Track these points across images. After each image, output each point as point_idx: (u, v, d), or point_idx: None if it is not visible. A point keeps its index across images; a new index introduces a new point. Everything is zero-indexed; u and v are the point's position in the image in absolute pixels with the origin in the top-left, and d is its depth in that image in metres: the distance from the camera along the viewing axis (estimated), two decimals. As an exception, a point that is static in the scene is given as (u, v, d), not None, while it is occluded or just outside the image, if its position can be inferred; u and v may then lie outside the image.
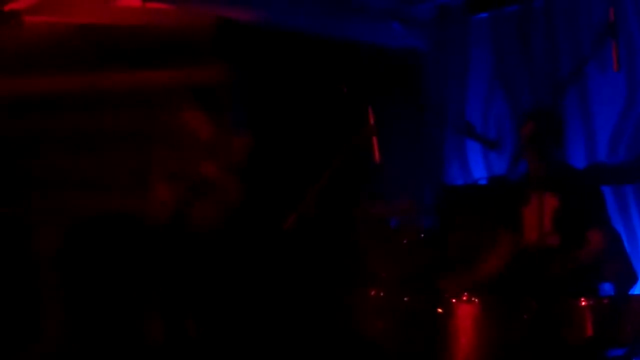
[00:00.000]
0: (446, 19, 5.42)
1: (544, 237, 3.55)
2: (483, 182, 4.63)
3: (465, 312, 3.46)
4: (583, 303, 3.32)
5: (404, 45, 5.28)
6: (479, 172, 5.20)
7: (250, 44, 4.51)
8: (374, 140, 3.61)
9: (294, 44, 4.69)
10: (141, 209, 3.86)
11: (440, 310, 3.54)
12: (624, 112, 4.77)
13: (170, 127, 3.91)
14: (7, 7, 3.98)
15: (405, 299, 3.75)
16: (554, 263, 3.55)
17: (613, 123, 4.80)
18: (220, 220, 3.82)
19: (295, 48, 4.70)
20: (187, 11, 4.30)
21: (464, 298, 3.47)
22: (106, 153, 4.07)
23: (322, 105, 4.61)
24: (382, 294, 3.80)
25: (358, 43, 4.93)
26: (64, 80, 4.07)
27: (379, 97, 3.78)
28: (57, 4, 4.11)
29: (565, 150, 4.47)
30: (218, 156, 3.85)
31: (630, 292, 3.89)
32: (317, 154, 3.83)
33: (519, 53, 5.19)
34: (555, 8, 5.03)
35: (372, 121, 3.62)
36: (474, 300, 3.45)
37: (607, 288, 4.08)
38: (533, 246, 3.60)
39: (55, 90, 4.04)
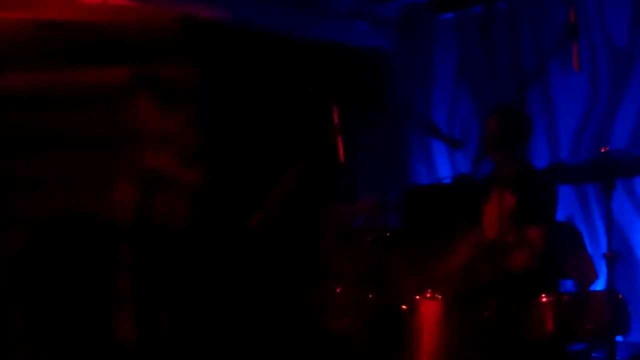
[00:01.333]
0: (412, 18, 5.47)
1: (502, 235, 3.61)
2: (447, 181, 4.64)
3: (428, 309, 3.50)
4: (544, 299, 3.36)
5: (370, 44, 5.32)
6: (444, 171, 5.28)
7: (216, 41, 4.51)
8: (339, 139, 3.65)
9: (261, 43, 4.70)
10: (105, 209, 3.86)
11: (404, 307, 3.56)
12: (586, 112, 4.87)
13: (131, 125, 3.90)
14: (-30, 4, 3.95)
15: (370, 296, 3.77)
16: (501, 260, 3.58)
17: (576, 123, 4.90)
18: (183, 214, 3.83)
19: (261, 46, 4.70)
20: (152, 8, 4.30)
21: (427, 295, 3.51)
22: (67, 152, 4.06)
23: (287, 104, 4.61)
24: (346, 291, 3.83)
25: (324, 42, 4.95)
26: (24, 77, 4.05)
27: (344, 96, 3.82)
28: (20, 0, 4.11)
29: (529, 149, 4.53)
30: (173, 150, 3.85)
31: (590, 289, 3.92)
32: (283, 153, 3.86)
33: (483, 53, 5.28)
34: (518, 9, 5.13)
35: (337, 120, 3.67)
36: (437, 297, 3.48)
37: (568, 285, 4.15)
38: (492, 243, 3.65)
39: (15, 88, 4.02)
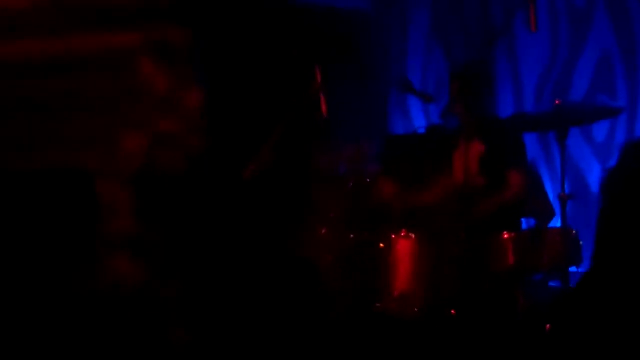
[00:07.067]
0: (388, -19, 5.62)
1: (470, 179, 3.85)
2: (422, 131, 4.86)
3: (403, 246, 3.74)
4: (505, 236, 3.63)
5: (351, 6, 5.43)
6: (419, 122, 5.47)
7: (209, 8, 4.64)
8: (322, 96, 3.81)
9: (250, 9, 4.83)
10: (108, 163, 4.11)
11: (381, 245, 3.80)
12: (547, 67, 5.08)
13: (136, 86, 4.15)
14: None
15: (352, 235, 3.95)
16: (481, 202, 3.83)
17: (538, 77, 5.11)
18: (183, 168, 3.97)
19: (250, 12, 4.82)
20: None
21: (402, 234, 3.74)
22: (77, 112, 4.35)
23: (275, 65, 4.76)
24: (331, 232, 4.03)
25: (309, 5, 5.08)
26: (37, 44, 4.30)
27: (327, 57, 3.94)
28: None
29: (496, 101, 4.86)
30: (176, 110, 4.03)
31: (548, 226, 4.21)
32: (272, 110, 4.04)
33: (454, 13, 5.43)
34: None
35: (319, 79, 3.83)
36: (411, 236, 3.74)
37: (530, 222, 4.46)
38: (461, 186, 3.91)
39: (29, 54, 4.18)
